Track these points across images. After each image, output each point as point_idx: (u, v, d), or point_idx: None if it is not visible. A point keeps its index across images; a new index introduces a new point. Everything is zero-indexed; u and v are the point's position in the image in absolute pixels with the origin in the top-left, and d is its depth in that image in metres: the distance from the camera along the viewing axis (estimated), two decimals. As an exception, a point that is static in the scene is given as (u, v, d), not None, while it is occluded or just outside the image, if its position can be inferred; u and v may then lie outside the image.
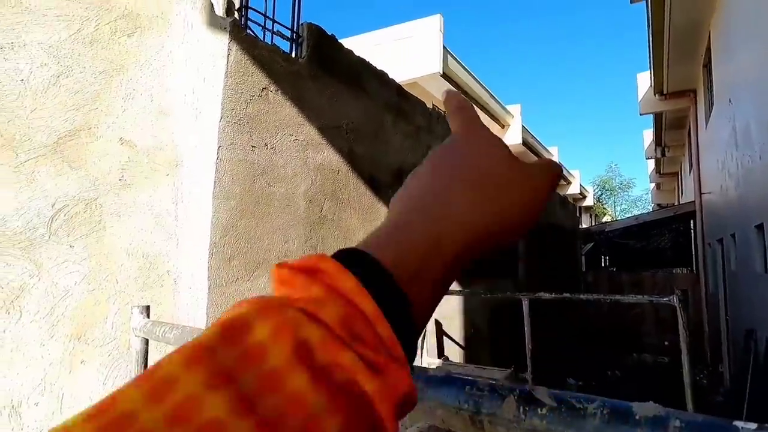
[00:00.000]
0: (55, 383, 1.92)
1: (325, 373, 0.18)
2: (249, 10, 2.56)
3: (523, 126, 13.70)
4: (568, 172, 18.52)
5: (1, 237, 1.88)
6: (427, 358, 4.06)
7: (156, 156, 2.26)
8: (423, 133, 4.06)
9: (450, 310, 4.71)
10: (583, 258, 12.74)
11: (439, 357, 4.41)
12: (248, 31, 2.47)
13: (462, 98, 0.34)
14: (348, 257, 0.23)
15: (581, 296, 3.61)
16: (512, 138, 13.43)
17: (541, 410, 0.42)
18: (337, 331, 0.19)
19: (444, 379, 0.53)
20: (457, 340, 4.81)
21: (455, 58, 10.06)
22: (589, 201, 27.11)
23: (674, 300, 2.60)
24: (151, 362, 1.59)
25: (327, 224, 2.86)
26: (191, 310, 2.17)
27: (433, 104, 8.37)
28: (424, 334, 3.98)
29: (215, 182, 2.19)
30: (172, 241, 2.25)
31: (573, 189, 22.42)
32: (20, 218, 1.91)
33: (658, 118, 11.13)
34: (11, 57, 1.97)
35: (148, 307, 1.52)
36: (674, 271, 10.79)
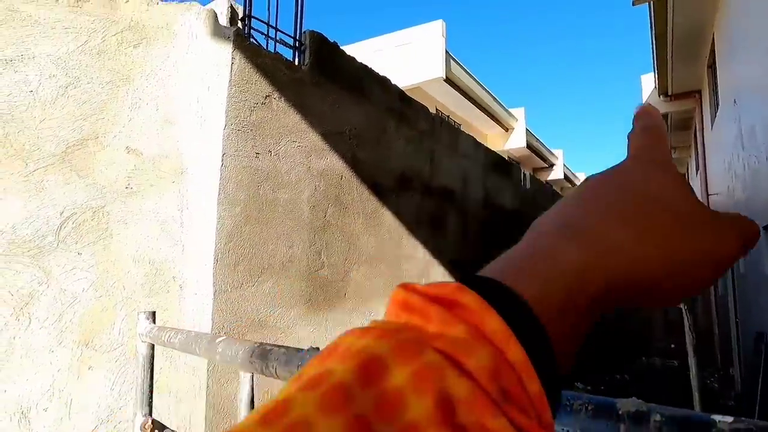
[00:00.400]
0: (64, 389, 1.95)
1: None
2: (252, 19, 2.60)
3: (527, 129, 13.66)
4: (573, 174, 18.48)
5: (11, 245, 1.91)
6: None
7: (162, 164, 2.29)
8: (426, 138, 4.08)
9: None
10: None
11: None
12: (251, 39, 2.51)
13: (657, 120, 0.28)
14: (486, 289, 0.19)
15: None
16: (516, 142, 13.39)
17: (530, 407, 0.43)
18: (486, 386, 0.16)
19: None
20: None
21: (458, 63, 10.11)
22: (595, 204, 26.94)
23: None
24: (156, 368, 1.61)
25: (331, 229, 2.88)
26: (197, 316, 2.19)
27: (436, 109, 8.40)
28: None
29: (220, 189, 2.22)
30: (177, 247, 2.28)
31: (579, 192, 22.30)
32: (29, 226, 1.95)
33: (663, 119, 11.09)
34: (21, 69, 2.01)
35: (154, 313, 1.54)
36: (683, 274, 10.67)
